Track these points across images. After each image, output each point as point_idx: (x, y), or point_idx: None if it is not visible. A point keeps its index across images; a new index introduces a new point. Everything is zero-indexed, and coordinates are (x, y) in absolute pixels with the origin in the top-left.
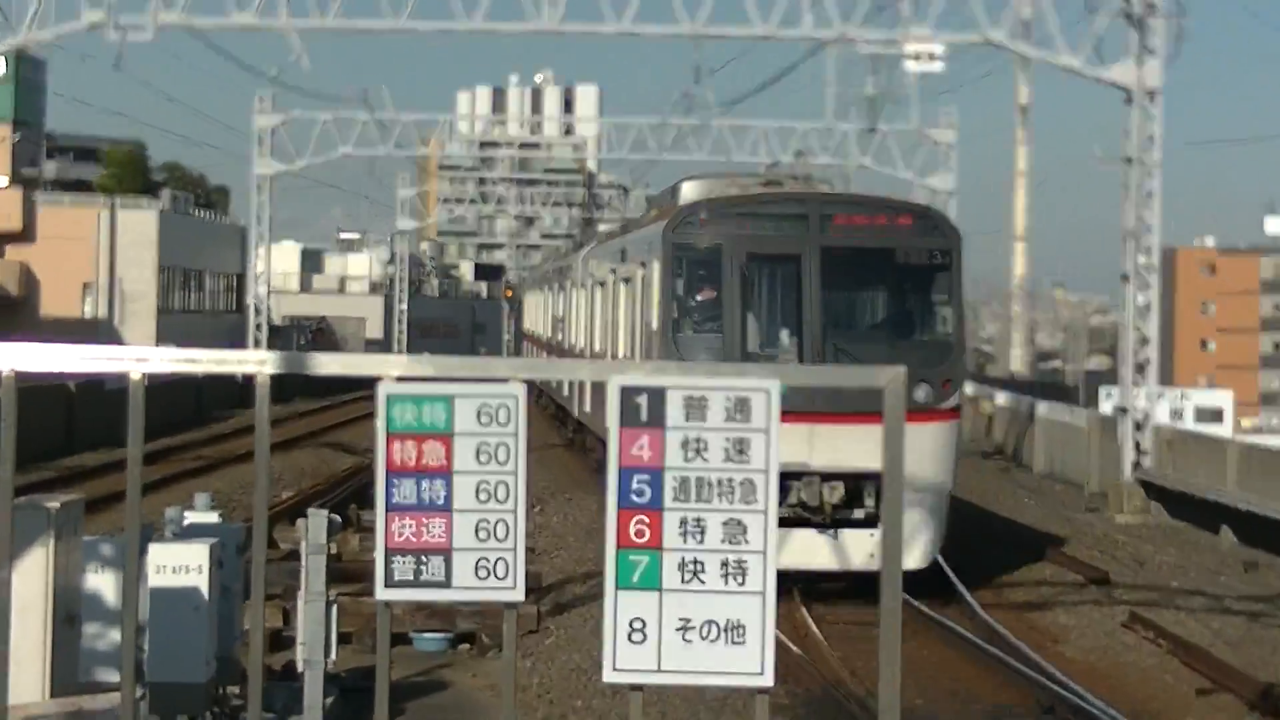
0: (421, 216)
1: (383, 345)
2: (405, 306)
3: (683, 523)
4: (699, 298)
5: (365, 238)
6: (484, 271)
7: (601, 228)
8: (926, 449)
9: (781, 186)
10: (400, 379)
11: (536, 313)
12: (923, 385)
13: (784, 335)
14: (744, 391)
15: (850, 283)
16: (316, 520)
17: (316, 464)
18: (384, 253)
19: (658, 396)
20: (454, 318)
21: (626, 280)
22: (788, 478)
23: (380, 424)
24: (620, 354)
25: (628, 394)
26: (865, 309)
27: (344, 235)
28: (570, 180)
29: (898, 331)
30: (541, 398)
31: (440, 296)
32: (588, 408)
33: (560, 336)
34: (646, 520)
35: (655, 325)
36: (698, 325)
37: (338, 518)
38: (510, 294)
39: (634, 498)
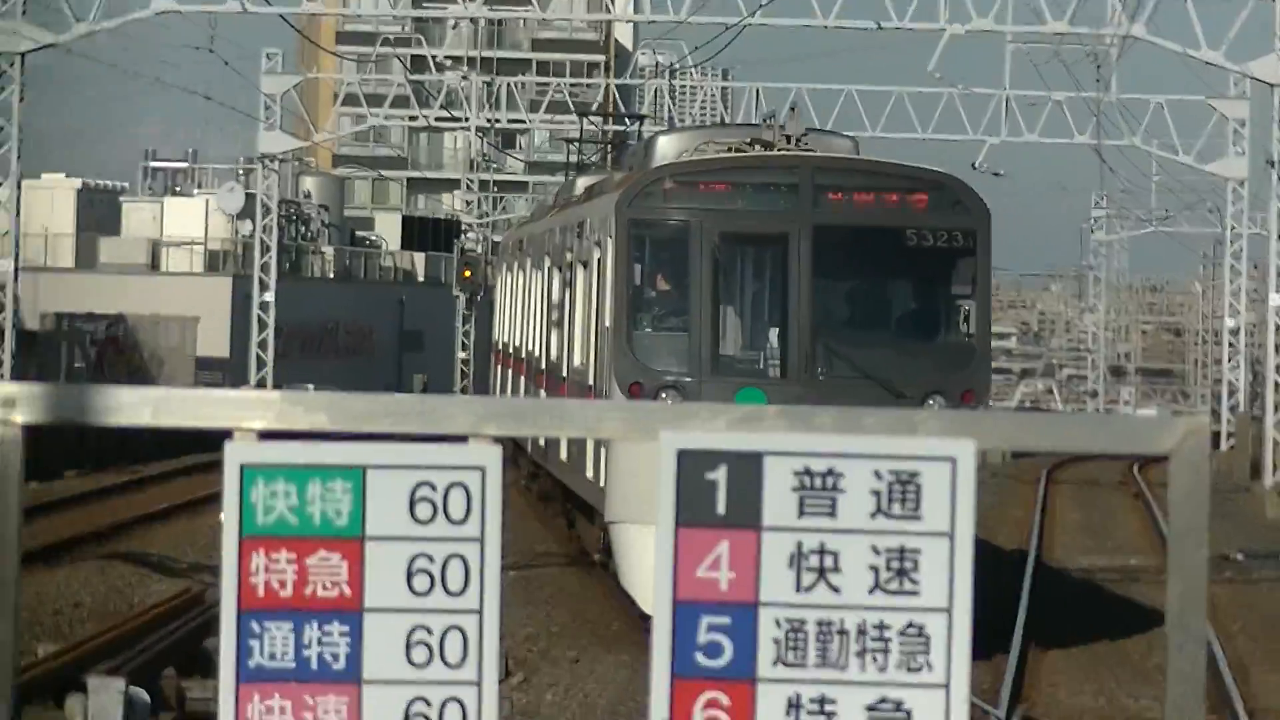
0: (305, 130)
1: (232, 368)
2: (272, 296)
3: (793, 705)
4: (661, 288)
5: (199, 170)
6: (421, 233)
7: (581, 183)
8: None
9: (771, 148)
10: (266, 435)
11: (518, 309)
12: (936, 398)
13: (766, 336)
14: (909, 460)
15: (850, 270)
16: (104, 697)
17: (106, 594)
18: (235, 198)
19: (748, 468)
20: (365, 319)
21: (584, 264)
22: None
23: (229, 519)
24: (575, 364)
25: (692, 464)
26: (868, 303)
27: (160, 164)
28: (583, 59)
29: (908, 332)
30: (533, 470)
31: (339, 279)
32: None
33: (550, 352)
34: (726, 702)
35: (608, 323)
36: (659, 323)
37: (144, 694)
38: (470, 274)
39: (702, 659)
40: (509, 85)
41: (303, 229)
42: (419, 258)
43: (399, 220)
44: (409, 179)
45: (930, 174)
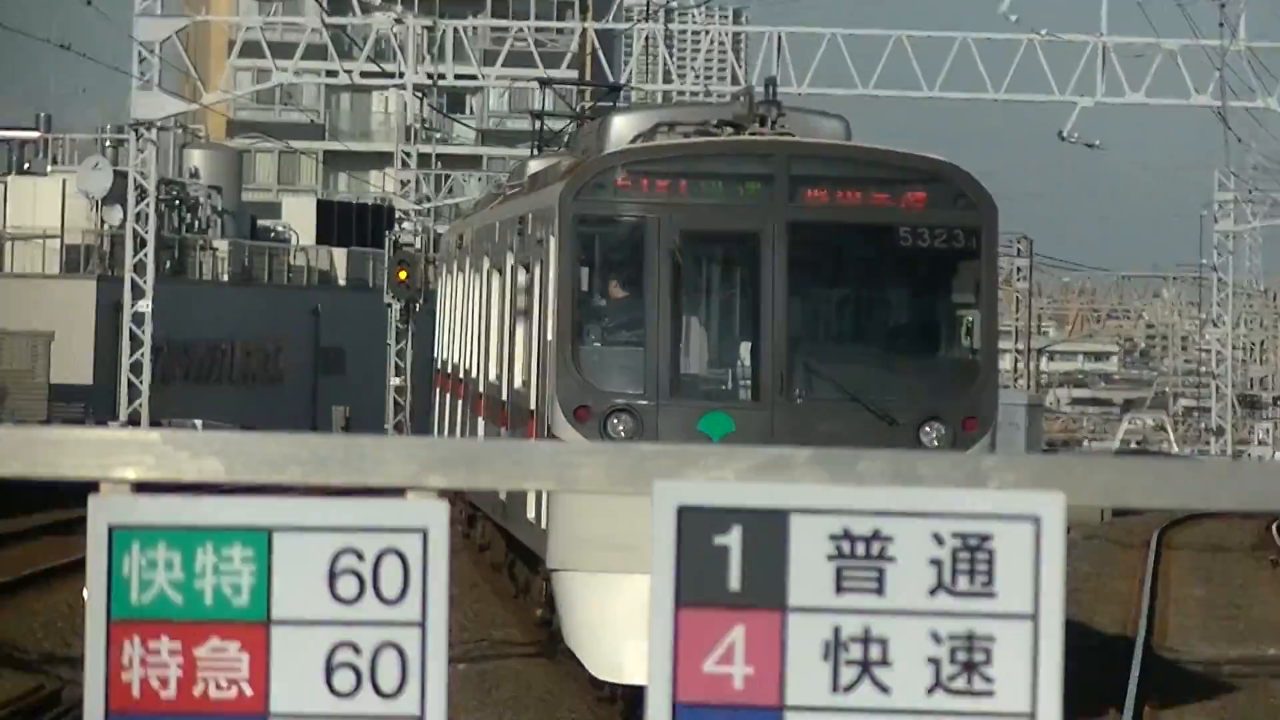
0: (192, 89)
1: (97, 399)
2: (149, 305)
3: None
4: (612, 295)
5: (54, 141)
6: (343, 223)
7: (532, 166)
8: None
9: (742, 131)
10: (142, 488)
11: (460, 321)
12: (934, 424)
13: (734, 351)
14: (979, 519)
15: (832, 274)
16: None
17: None
18: (100, 177)
19: (770, 531)
20: (270, 334)
21: (526, 266)
22: None
23: (95, 596)
24: (517, 386)
25: (696, 525)
26: (854, 313)
27: (2, 134)
28: None
29: (901, 347)
30: (470, 513)
31: (237, 282)
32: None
33: (490, 372)
34: None
35: (550, 335)
36: (609, 336)
37: None
38: (406, 277)
39: None
40: (457, 31)
41: (189, 217)
42: (339, 255)
43: (313, 206)
44: (326, 152)
45: (927, 162)
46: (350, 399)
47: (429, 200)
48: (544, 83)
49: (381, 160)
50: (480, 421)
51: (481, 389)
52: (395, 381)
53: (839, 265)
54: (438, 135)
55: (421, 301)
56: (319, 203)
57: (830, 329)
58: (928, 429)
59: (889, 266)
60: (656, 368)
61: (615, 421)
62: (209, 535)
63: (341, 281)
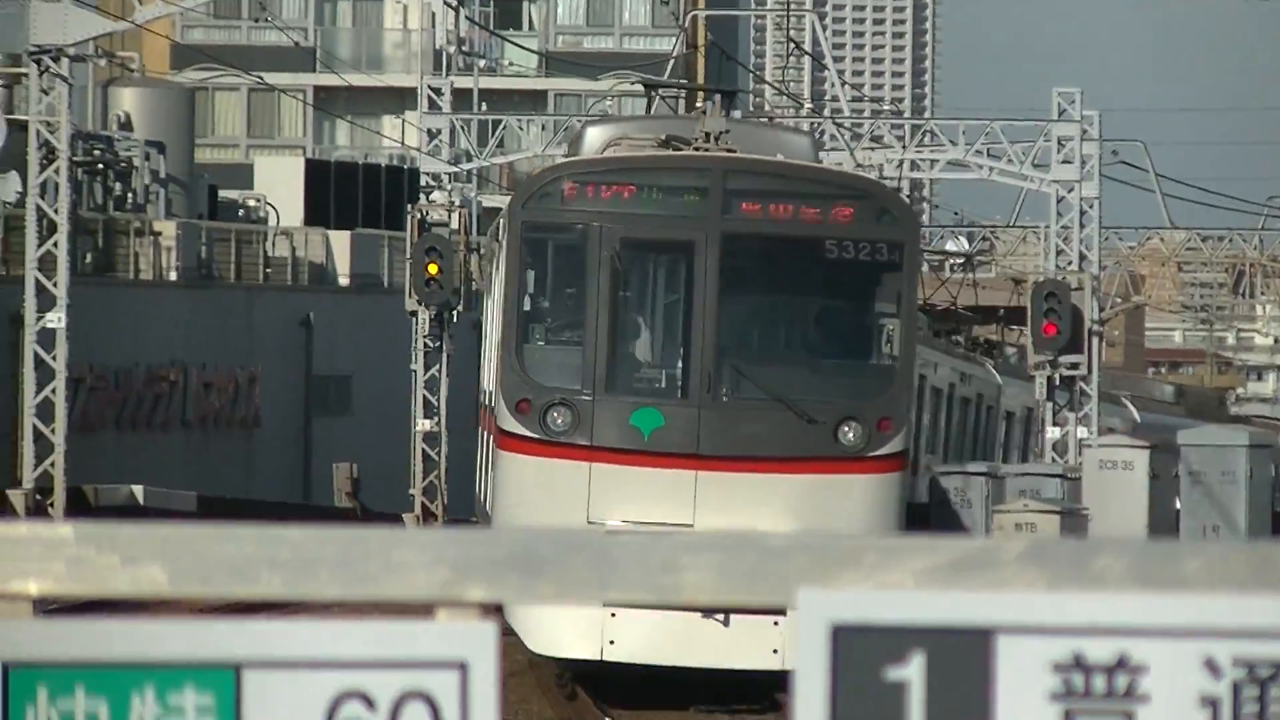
0: (121, 0)
1: None
2: (62, 318)
3: None
4: (556, 297)
5: None
6: (343, 194)
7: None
8: (852, 511)
9: (687, 146)
10: (49, 608)
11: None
12: (851, 424)
13: (667, 352)
14: (1269, 638)
15: (761, 282)
16: None
17: None
18: None
19: (968, 656)
20: (238, 357)
21: (495, 270)
22: None
23: None
24: (487, 387)
25: (859, 650)
26: (780, 319)
27: None
28: None
29: (823, 351)
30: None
31: (190, 282)
32: None
33: (483, 378)
34: None
35: (498, 335)
36: (552, 335)
37: None
38: (437, 271)
39: None
40: None
41: (118, 188)
42: (340, 241)
43: (300, 169)
44: (319, 90)
45: (856, 180)
46: (359, 451)
47: (470, 158)
48: (649, 85)
49: (399, 101)
50: (482, 434)
51: (483, 401)
52: (424, 425)
53: (768, 274)
54: (482, 62)
55: (461, 308)
56: (309, 164)
57: (757, 334)
58: (845, 429)
59: (815, 277)
60: (594, 365)
61: (554, 414)
62: (149, 675)
63: (343, 280)
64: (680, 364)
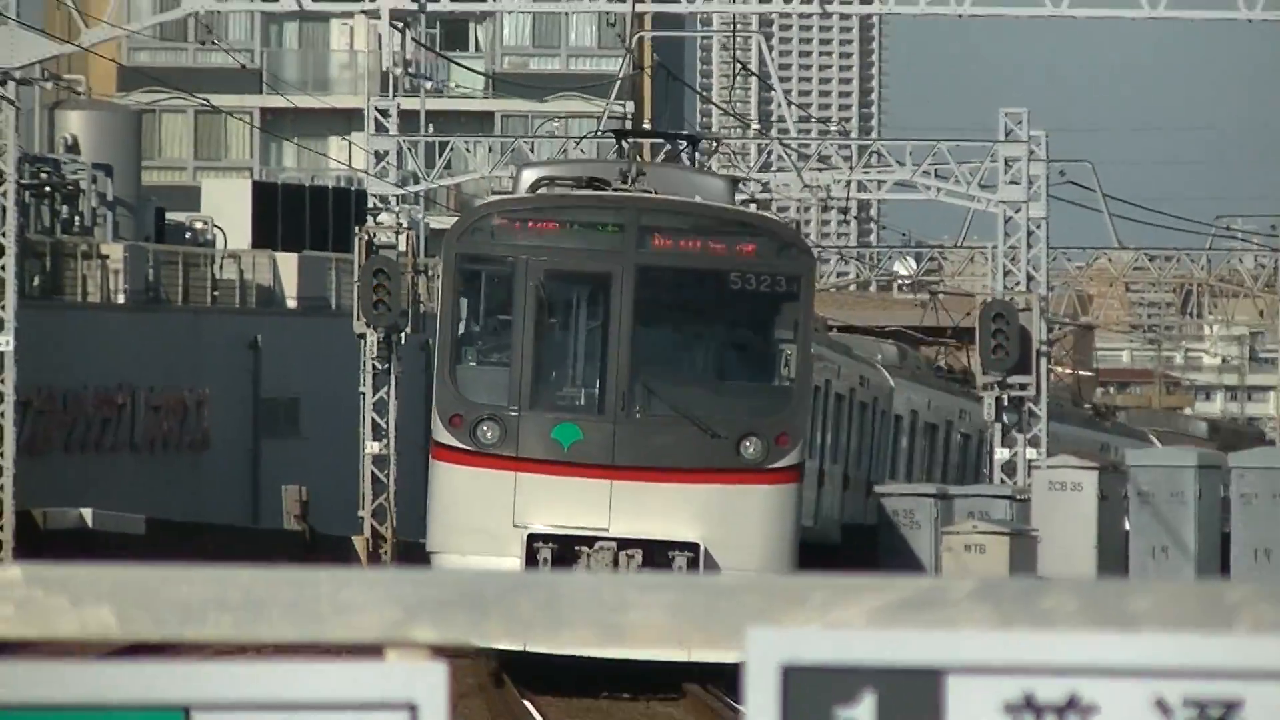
0: (66, 23)
1: None
2: (9, 341)
3: None
4: (486, 323)
5: None
6: (291, 216)
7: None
8: (752, 518)
9: (607, 186)
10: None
11: None
12: (752, 439)
13: (585, 372)
14: (1219, 677)
15: (671, 310)
16: None
17: None
18: None
19: (917, 694)
20: (187, 378)
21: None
22: (575, 542)
23: None
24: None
25: (812, 691)
26: (688, 344)
27: None
28: None
29: (727, 373)
30: None
31: (137, 305)
32: None
33: None
34: None
35: (435, 357)
36: (483, 357)
37: None
38: (385, 293)
39: None
40: None
41: (65, 211)
42: (287, 263)
43: (248, 191)
44: (266, 112)
45: (759, 219)
46: (308, 474)
47: (417, 180)
48: (620, 134)
49: (346, 123)
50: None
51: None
52: (373, 448)
53: (677, 303)
54: (429, 84)
55: (409, 330)
56: (256, 186)
57: (667, 356)
58: (746, 443)
59: (720, 305)
60: (519, 384)
61: (484, 428)
62: (98, 717)
63: (291, 302)
64: (598, 383)
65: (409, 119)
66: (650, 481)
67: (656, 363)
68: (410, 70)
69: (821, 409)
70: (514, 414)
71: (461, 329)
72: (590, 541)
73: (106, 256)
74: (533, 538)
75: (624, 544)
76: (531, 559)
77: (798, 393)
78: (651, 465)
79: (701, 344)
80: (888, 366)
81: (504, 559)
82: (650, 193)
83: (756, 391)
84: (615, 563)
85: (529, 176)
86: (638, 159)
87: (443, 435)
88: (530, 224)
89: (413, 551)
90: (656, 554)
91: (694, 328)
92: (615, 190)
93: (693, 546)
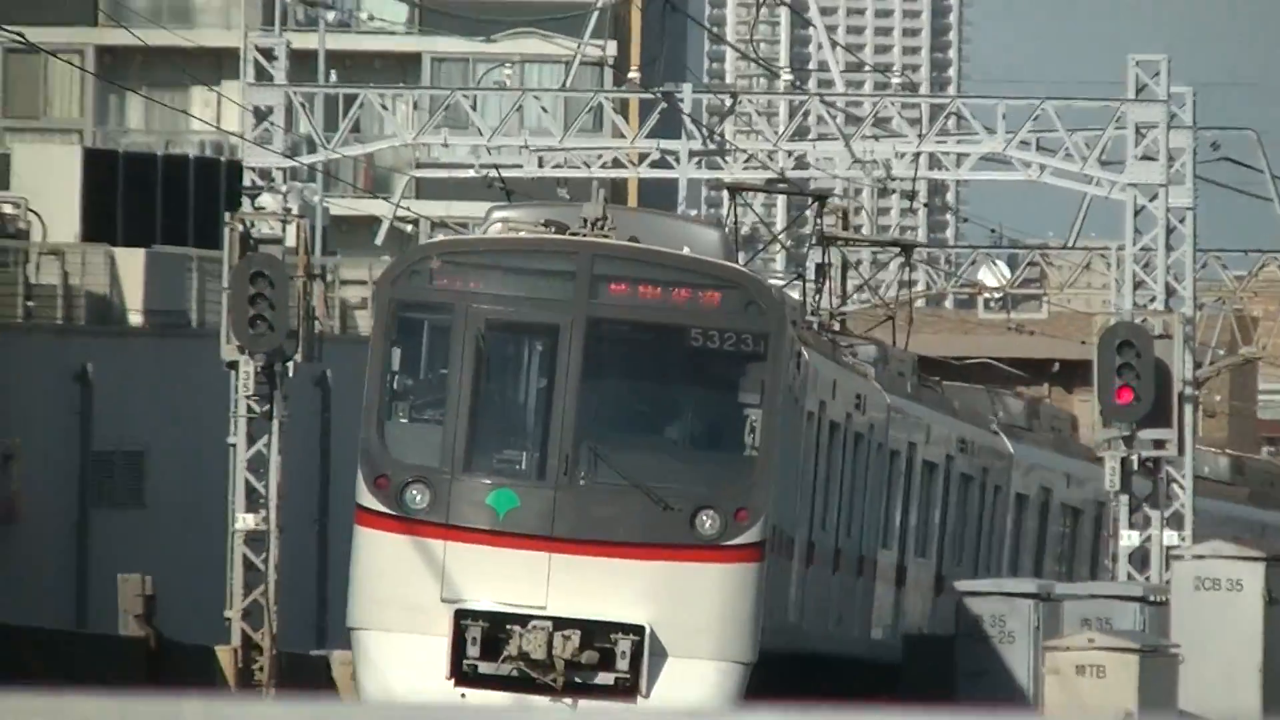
0: None
1: None
2: None
3: None
4: (420, 375)
5: None
6: (135, 195)
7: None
8: (705, 601)
9: (565, 230)
10: None
11: None
12: (708, 512)
13: (527, 434)
14: None
15: (624, 369)
16: None
17: None
18: None
19: None
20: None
21: None
22: (508, 621)
23: None
24: None
25: None
26: (642, 405)
27: None
28: None
29: (683, 439)
30: None
31: None
32: None
33: None
34: None
35: (364, 408)
36: (416, 412)
37: None
38: (263, 305)
39: None
40: None
41: None
42: (131, 263)
43: (77, 162)
44: (102, 51)
45: (726, 270)
46: (154, 558)
47: (314, 148)
48: (733, 190)
49: (215, 67)
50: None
51: None
52: (246, 522)
53: (631, 360)
54: (331, 15)
55: (299, 357)
56: (88, 155)
57: (618, 419)
58: (702, 516)
59: (679, 364)
60: (453, 444)
61: (412, 491)
62: None
63: (135, 318)
64: (539, 446)
65: (303, 63)
66: (592, 555)
67: (605, 425)
68: None
69: (904, 483)
70: (446, 476)
71: (393, 381)
72: (524, 620)
73: None
74: (460, 614)
75: (561, 624)
76: (459, 638)
77: (761, 463)
78: (594, 538)
79: (656, 406)
80: (1006, 427)
81: (429, 637)
82: (608, 238)
83: (715, 460)
84: (550, 644)
85: (496, 218)
86: (605, 201)
87: (366, 498)
88: (473, 268)
89: (301, 670)
90: (597, 636)
91: (648, 388)
92: (574, 234)
93: (637, 629)
